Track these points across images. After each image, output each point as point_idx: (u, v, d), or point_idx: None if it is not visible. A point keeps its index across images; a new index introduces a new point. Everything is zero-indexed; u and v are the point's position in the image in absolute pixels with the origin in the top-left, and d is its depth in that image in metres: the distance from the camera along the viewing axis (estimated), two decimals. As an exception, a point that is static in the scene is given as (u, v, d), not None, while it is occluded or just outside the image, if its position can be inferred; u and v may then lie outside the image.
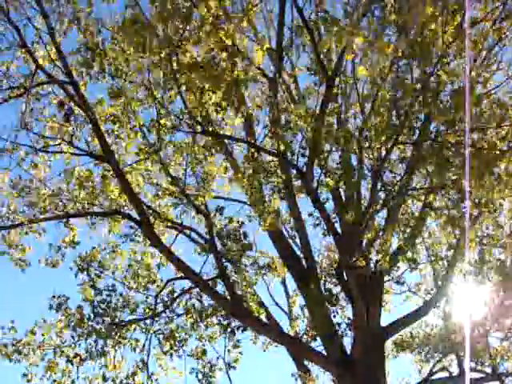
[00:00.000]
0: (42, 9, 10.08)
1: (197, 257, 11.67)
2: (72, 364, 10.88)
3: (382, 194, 10.12)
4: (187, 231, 11.46)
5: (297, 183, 11.09)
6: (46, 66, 10.45)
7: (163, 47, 9.24)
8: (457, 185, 9.35)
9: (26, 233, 11.33)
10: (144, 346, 11.13)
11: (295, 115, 9.97)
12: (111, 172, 11.02)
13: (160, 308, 11.29)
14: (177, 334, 11.37)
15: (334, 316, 11.32)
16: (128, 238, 11.80)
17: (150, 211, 11.24)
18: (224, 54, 9.35)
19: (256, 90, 11.24)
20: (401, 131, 9.35)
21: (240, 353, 11.53)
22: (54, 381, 10.86)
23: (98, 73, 10.41)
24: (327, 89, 9.74)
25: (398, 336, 12.58)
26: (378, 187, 9.93)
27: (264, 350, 12.52)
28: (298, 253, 11.54)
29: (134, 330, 11.30)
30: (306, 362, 11.95)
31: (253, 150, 10.71)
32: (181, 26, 9.27)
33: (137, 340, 11.27)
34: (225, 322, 11.44)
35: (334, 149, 10.42)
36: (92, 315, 10.95)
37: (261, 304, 11.64)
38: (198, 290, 11.24)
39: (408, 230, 11.10)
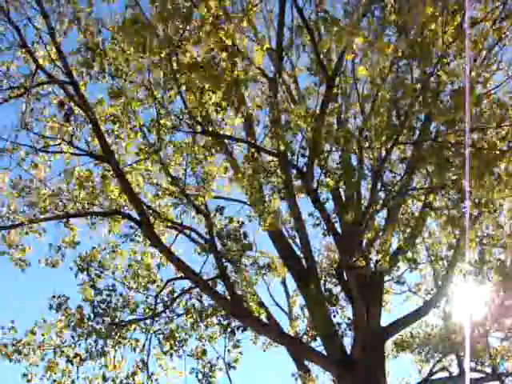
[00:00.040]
0: (42, 9, 10.08)
1: (197, 257, 11.67)
2: (72, 364, 10.86)
3: (382, 194, 10.13)
4: (187, 231, 11.45)
5: (297, 183, 11.09)
6: (46, 66, 10.44)
7: (163, 47, 9.24)
8: (457, 185, 9.35)
9: (26, 233, 11.32)
10: (144, 346, 11.13)
11: (295, 115, 9.97)
12: (111, 172, 11.01)
13: (160, 308, 11.29)
14: (177, 334, 11.36)
15: (334, 316, 11.32)
16: (128, 238, 11.80)
17: (150, 211, 11.23)
18: (224, 54, 9.36)
19: (256, 90, 11.24)
20: (401, 131, 9.36)
21: (240, 353, 11.51)
22: (54, 381, 10.84)
23: (98, 73, 10.40)
24: (327, 89, 9.76)
25: (398, 336, 12.58)
26: (378, 187, 9.93)
27: (264, 350, 12.55)
28: (298, 253, 11.54)
29: (134, 330, 11.29)
30: (306, 362, 11.97)
31: (253, 149, 10.72)
32: (181, 26, 9.28)
33: (137, 340, 11.26)
34: (225, 322, 11.42)
35: (333, 149, 10.43)
36: (92, 315, 10.94)
37: (261, 304, 11.62)
38: (197, 289, 11.23)
39: (408, 230, 11.10)
